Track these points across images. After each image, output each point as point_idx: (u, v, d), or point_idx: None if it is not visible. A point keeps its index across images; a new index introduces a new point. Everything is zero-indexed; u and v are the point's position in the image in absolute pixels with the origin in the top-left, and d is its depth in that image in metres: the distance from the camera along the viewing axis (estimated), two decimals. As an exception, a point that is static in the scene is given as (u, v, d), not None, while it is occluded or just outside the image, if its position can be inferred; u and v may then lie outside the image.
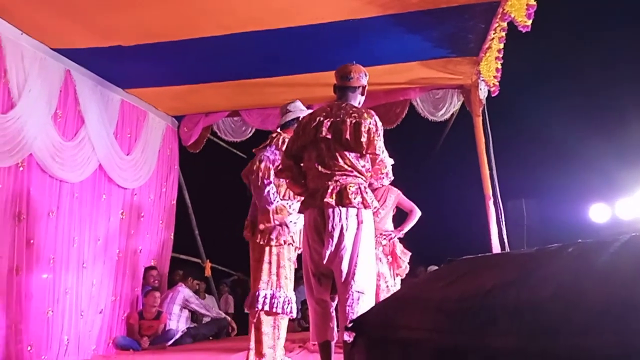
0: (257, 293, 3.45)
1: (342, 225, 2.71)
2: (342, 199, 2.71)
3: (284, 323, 3.52)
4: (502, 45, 4.50)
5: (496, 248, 5.11)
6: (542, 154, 6.61)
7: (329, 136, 2.79)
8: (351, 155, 2.78)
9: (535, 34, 4.07)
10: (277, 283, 3.47)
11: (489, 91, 5.16)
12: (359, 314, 2.50)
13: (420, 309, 1.39)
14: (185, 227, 7.09)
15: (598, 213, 6.27)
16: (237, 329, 6.33)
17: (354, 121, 2.78)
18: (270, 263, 3.49)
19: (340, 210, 2.71)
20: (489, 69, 4.76)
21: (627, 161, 5.65)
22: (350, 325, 1.59)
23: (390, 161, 2.99)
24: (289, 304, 3.49)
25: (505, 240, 5.22)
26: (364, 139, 2.75)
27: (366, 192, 2.79)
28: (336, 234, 2.71)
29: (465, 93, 5.58)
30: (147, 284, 5.86)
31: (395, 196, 4.65)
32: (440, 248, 6.62)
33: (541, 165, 6.57)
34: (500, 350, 1.11)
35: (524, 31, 3.93)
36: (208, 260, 7.28)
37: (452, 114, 5.78)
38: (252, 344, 3.46)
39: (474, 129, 5.43)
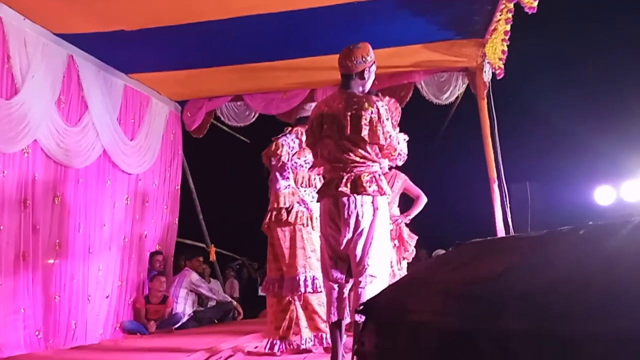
0: (297, 277, 3.55)
1: (357, 212, 2.75)
2: (357, 188, 2.75)
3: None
4: (508, 27, 4.45)
5: (501, 231, 5.11)
6: (547, 136, 6.58)
7: (333, 133, 2.80)
8: (359, 147, 2.78)
9: (542, 16, 4.03)
10: (311, 265, 3.59)
11: (494, 74, 5.11)
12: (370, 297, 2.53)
13: (430, 293, 1.39)
14: (190, 212, 7.11)
15: (603, 195, 6.25)
16: (242, 313, 6.37)
17: (353, 114, 2.76)
18: (304, 248, 3.62)
19: (355, 198, 2.76)
20: (495, 51, 4.71)
21: (632, 143, 5.63)
22: (360, 308, 1.60)
23: (402, 138, 2.97)
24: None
25: (510, 224, 5.21)
26: (365, 132, 2.74)
27: (381, 180, 2.82)
28: (352, 221, 2.76)
29: (470, 76, 5.53)
30: (153, 269, 5.89)
31: (403, 181, 4.65)
32: (444, 232, 6.64)
33: (546, 148, 6.55)
34: (511, 333, 1.11)
35: (530, 12, 3.88)
36: (212, 245, 7.30)
37: (457, 97, 5.74)
38: (304, 322, 3.58)
39: (479, 112, 5.40)
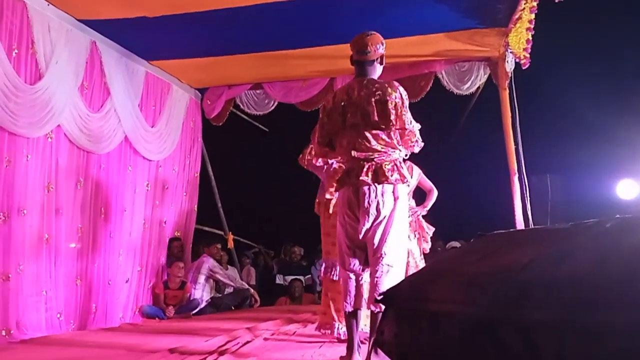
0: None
1: (378, 201, 2.74)
2: (379, 177, 2.74)
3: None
4: (533, 16, 4.38)
5: (520, 224, 5.06)
6: (568, 128, 6.48)
7: (357, 121, 2.78)
8: (383, 134, 2.77)
9: (567, 5, 3.95)
10: None
11: (516, 64, 5.04)
12: (386, 287, 2.53)
13: (451, 283, 1.39)
14: (208, 199, 7.16)
15: (626, 189, 6.16)
16: (259, 301, 6.41)
17: (378, 99, 2.74)
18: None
19: (376, 187, 2.74)
20: (519, 41, 4.64)
21: (656, 137, 5.53)
22: (380, 297, 1.60)
23: (417, 126, 2.95)
24: None
25: (530, 216, 5.16)
26: (392, 117, 2.74)
27: (402, 168, 2.80)
28: (373, 210, 2.74)
29: (492, 66, 5.46)
30: (172, 255, 5.96)
31: (418, 174, 4.62)
32: (462, 223, 6.61)
33: (567, 140, 6.46)
34: (534, 324, 1.10)
35: (556, 0, 3.81)
36: (230, 232, 7.36)
37: (478, 87, 5.67)
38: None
39: (500, 103, 5.33)
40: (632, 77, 5.98)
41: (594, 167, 6.39)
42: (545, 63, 5.61)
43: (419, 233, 4.47)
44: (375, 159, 2.77)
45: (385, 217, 2.74)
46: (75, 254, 4.61)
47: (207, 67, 5.78)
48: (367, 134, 2.77)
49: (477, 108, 6.23)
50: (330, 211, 3.66)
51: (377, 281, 2.70)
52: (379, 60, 2.88)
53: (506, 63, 5.24)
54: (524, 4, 4.31)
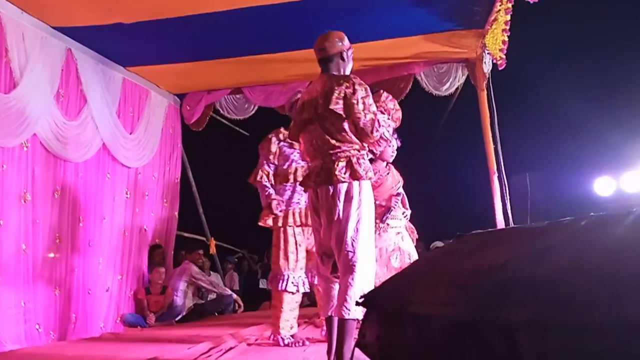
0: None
1: (332, 202, 2.64)
2: (330, 177, 2.63)
3: (285, 298, 3.64)
4: (508, 17, 4.43)
5: (500, 223, 5.11)
6: (547, 127, 6.57)
7: (311, 116, 2.72)
8: (333, 128, 2.66)
9: (541, 6, 4.01)
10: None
11: (494, 64, 5.10)
12: (355, 291, 2.52)
13: (433, 284, 1.39)
14: (190, 206, 7.11)
15: (603, 186, 6.25)
16: (242, 306, 6.38)
17: (327, 90, 2.67)
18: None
19: (329, 188, 2.65)
20: (495, 42, 4.69)
21: (633, 134, 5.62)
22: (361, 300, 1.60)
23: (382, 117, 2.76)
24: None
25: (510, 215, 5.21)
26: (336, 106, 2.62)
27: (359, 164, 2.65)
28: (329, 212, 2.66)
29: (470, 67, 5.51)
30: (153, 262, 5.90)
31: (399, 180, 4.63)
32: (443, 224, 6.64)
33: (546, 139, 6.55)
34: (514, 323, 1.11)
35: (531, 2, 3.86)
36: (212, 238, 7.31)
37: (457, 88, 5.72)
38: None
39: (479, 104, 5.39)
40: (609, 76, 6.09)
41: (572, 165, 6.49)
42: (522, 63, 5.68)
43: (410, 236, 4.50)
44: (331, 157, 2.66)
45: (340, 219, 2.62)
46: (54, 263, 4.53)
47: (186, 72, 5.74)
48: (320, 130, 2.68)
49: (456, 109, 6.29)
50: (280, 224, 3.70)
51: (341, 287, 2.60)
52: (339, 55, 2.78)
53: (484, 64, 5.30)
54: (500, 5, 4.36)
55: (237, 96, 6.42)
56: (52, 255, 4.51)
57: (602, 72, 6.14)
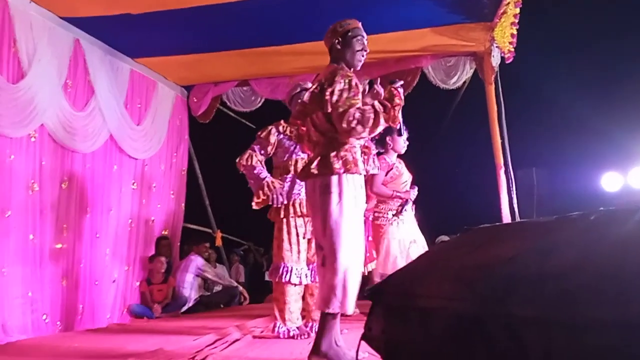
0: None
1: (312, 196, 2.64)
2: (308, 172, 2.62)
3: (289, 290, 3.63)
4: (518, 10, 4.39)
5: (506, 218, 5.09)
6: (554, 122, 6.54)
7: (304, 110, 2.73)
8: (318, 121, 2.63)
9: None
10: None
11: (502, 58, 5.07)
12: (334, 284, 2.48)
13: (439, 278, 1.39)
14: (196, 198, 7.12)
15: (610, 182, 6.22)
16: (248, 298, 6.40)
17: (313, 87, 2.67)
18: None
19: (310, 182, 2.65)
20: (504, 35, 4.66)
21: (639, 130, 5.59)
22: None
23: (356, 102, 2.55)
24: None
25: (516, 210, 5.20)
26: (308, 97, 2.64)
27: (337, 158, 2.56)
28: (311, 206, 2.67)
29: (478, 60, 5.47)
30: (160, 254, 5.92)
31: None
32: (449, 218, 6.63)
33: (553, 134, 6.51)
34: (520, 318, 1.11)
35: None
36: (219, 230, 7.33)
37: (464, 82, 5.69)
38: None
39: (486, 97, 5.36)
40: (617, 71, 6.05)
41: (579, 161, 6.46)
42: (531, 57, 5.64)
43: None
44: (315, 150, 2.66)
45: (318, 215, 2.59)
46: (61, 254, 4.56)
47: (193, 64, 5.74)
48: (309, 123, 2.68)
49: (463, 103, 6.26)
50: (281, 216, 3.69)
51: (320, 280, 2.58)
52: (333, 46, 2.74)
53: (492, 57, 5.26)
54: (509, -2, 4.33)
55: (244, 88, 6.42)
56: (59, 245, 4.54)
57: (610, 67, 6.09)
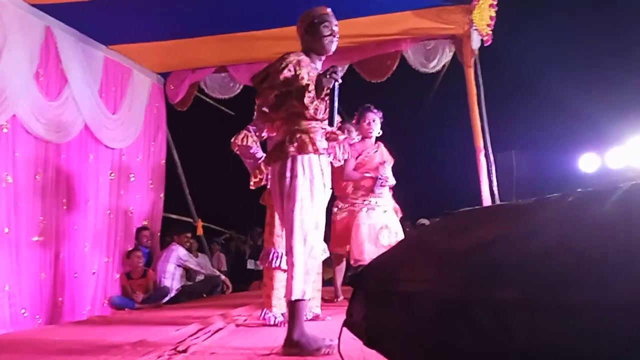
0: None
1: (272, 183, 2.68)
2: (268, 157, 2.68)
3: (277, 276, 3.61)
4: (497, -8, 4.39)
5: (487, 200, 5.13)
6: (532, 104, 6.59)
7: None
8: (279, 106, 2.62)
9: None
10: None
11: (481, 41, 5.06)
12: (295, 271, 2.47)
13: (421, 262, 1.38)
14: (176, 187, 7.05)
15: (587, 163, 6.31)
16: (231, 287, 6.38)
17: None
18: None
19: (270, 168, 2.69)
20: (483, 17, 4.65)
21: (617, 111, 5.65)
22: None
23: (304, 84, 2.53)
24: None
25: (496, 193, 5.24)
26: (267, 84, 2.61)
27: (294, 141, 2.54)
28: (272, 193, 2.70)
29: (457, 43, 5.46)
30: (140, 244, 5.86)
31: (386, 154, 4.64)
32: (430, 201, 6.68)
33: (532, 117, 6.57)
34: (504, 302, 1.10)
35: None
36: (200, 220, 7.27)
37: (444, 65, 5.68)
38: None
39: (466, 81, 5.36)
40: (594, 53, 6.09)
41: (557, 142, 6.53)
42: (510, 40, 5.65)
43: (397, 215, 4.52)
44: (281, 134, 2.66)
45: (278, 200, 2.60)
46: (39, 247, 4.48)
47: (169, 50, 5.63)
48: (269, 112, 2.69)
49: (443, 86, 6.26)
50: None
51: (287, 277, 2.56)
52: (303, 33, 2.73)
53: (471, 40, 5.25)
54: (487, -20, 4.31)
55: (222, 75, 6.33)
56: (36, 238, 4.45)
57: (587, 49, 6.13)
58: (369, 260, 4.09)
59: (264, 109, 2.70)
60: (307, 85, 2.51)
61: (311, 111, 2.52)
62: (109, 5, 4.44)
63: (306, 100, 2.48)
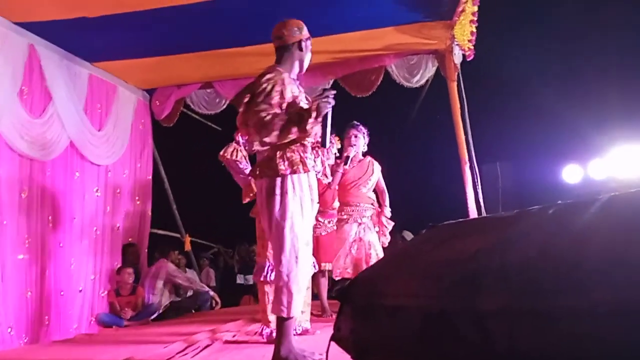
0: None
1: (259, 198, 2.68)
2: (255, 172, 2.68)
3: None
4: (476, 8, 4.46)
5: (473, 212, 5.17)
6: (516, 117, 6.67)
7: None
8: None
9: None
10: None
11: (463, 55, 5.14)
12: (282, 293, 2.49)
13: (406, 275, 1.40)
14: (163, 202, 7.02)
15: (571, 174, 6.40)
16: (220, 302, 6.34)
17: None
18: None
19: (257, 183, 2.69)
20: (464, 33, 4.73)
21: (599, 122, 5.75)
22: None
23: (261, 107, 2.56)
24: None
25: (482, 204, 5.28)
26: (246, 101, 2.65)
27: (284, 159, 2.57)
28: (259, 209, 2.71)
29: (440, 58, 5.54)
30: (127, 261, 5.81)
31: (379, 170, 4.71)
32: (417, 214, 6.71)
33: (515, 128, 6.65)
34: (487, 312, 1.12)
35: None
36: (187, 235, 7.24)
37: (427, 80, 5.75)
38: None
39: (449, 95, 5.42)
40: (576, 65, 6.21)
41: (541, 154, 6.62)
42: (491, 54, 5.74)
43: (378, 227, 4.57)
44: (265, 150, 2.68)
45: (265, 217, 2.61)
46: (24, 265, 4.43)
47: (154, 67, 5.64)
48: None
49: (427, 100, 6.33)
50: None
51: (275, 290, 2.59)
52: (297, 45, 2.73)
53: (453, 55, 5.33)
54: (467, -4, 4.39)
55: (208, 91, 6.34)
56: (21, 257, 4.41)
57: (569, 61, 6.25)
58: (353, 273, 4.12)
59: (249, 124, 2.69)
60: (307, 110, 2.54)
61: (309, 135, 2.57)
62: (93, 22, 4.43)
63: (308, 127, 2.51)
